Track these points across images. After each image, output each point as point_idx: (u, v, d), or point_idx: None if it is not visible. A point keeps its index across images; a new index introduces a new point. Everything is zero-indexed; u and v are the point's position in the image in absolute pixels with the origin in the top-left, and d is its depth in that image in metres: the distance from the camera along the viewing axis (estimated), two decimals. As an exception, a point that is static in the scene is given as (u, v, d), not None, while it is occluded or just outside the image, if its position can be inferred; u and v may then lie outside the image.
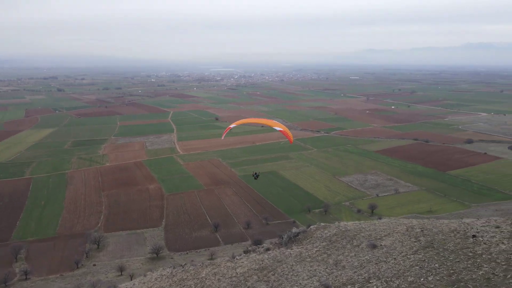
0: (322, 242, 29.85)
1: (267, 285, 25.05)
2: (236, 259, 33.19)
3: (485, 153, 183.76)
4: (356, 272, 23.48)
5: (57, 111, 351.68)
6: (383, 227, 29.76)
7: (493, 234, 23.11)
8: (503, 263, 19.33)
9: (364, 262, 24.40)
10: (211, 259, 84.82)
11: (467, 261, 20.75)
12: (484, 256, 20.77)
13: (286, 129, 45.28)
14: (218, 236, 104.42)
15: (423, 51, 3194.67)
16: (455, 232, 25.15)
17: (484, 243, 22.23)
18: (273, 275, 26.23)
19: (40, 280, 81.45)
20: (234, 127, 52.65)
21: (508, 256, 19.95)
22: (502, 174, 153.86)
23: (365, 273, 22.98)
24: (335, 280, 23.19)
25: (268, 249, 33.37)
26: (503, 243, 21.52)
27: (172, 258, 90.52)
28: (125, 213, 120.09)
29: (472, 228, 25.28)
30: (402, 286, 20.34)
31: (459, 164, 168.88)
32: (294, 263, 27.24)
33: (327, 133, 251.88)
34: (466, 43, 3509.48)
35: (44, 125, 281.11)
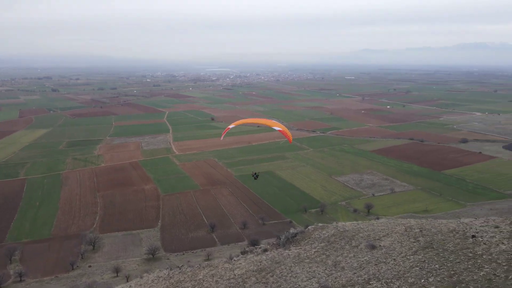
0: (321, 243, 29.68)
1: (265, 287, 24.84)
2: (234, 260, 32.94)
3: (480, 153, 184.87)
4: (355, 273, 23.32)
5: (51, 111, 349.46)
6: (381, 227, 29.65)
7: (492, 234, 23.04)
8: (504, 264, 19.24)
9: (364, 263, 24.24)
10: (208, 259, 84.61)
11: (467, 262, 20.64)
12: (484, 256, 20.68)
13: (285, 129, 45.17)
14: (215, 237, 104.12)
15: (418, 51, 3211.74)
16: (454, 232, 25.06)
17: (484, 244, 22.15)
18: (272, 276, 26.02)
19: (35, 282, 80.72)
20: (231, 128, 52.26)
21: (509, 256, 19.87)
22: (497, 173, 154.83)
23: (364, 274, 22.82)
24: (335, 282, 23.03)
25: (265, 250, 33.15)
26: (503, 243, 21.45)
27: (168, 259, 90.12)
28: (120, 213, 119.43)
29: (471, 228, 25.22)
30: (403, 287, 20.21)
31: (454, 163, 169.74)
32: (292, 264, 27.04)
33: (323, 133, 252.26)
34: (461, 43, 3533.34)
35: (39, 125, 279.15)
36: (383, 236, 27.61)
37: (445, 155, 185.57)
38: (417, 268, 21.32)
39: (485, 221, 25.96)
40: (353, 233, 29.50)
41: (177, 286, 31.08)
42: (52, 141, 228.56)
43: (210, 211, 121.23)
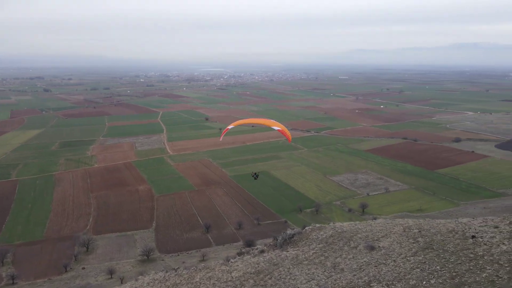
0: (319, 244, 29.38)
1: (264, 289, 24.52)
2: (231, 262, 32.53)
3: (473, 152, 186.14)
4: (355, 275, 23.05)
5: (43, 112, 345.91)
6: (379, 228, 29.43)
7: (492, 235, 22.91)
8: (506, 265, 19.07)
9: (363, 265, 23.99)
10: (203, 260, 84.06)
11: (469, 263, 20.45)
12: (486, 257, 20.51)
13: (285, 128, 44.97)
14: (210, 237, 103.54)
15: (410, 51, 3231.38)
16: (453, 232, 24.91)
17: (485, 244, 22.00)
18: (270, 279, 25.67)
19: (27, 285, 79.56)
20: (230, 128, 51.96)
21: (511, 257, 19.72)
22: (490, 172, 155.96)
23: (365, 276, 22.57)
24: (335, 284, 22.76)
25: (262, 251, 32.82)
26: (503, 243, 21.31)
27: (163, 260, 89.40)
28: (114, 214, 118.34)
29: (470, 228, 25.09)
30: (404, 289, 19.98)
31: (447, 162, 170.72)
32: (291, 266, 26.70)
33: (317, 132, 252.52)
34: (453, 43, 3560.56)
35: (31, 126, 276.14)
36: (382, 236, 27.39)
37: (438, 154, 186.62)
38: (418, 270, 21.10)
39: (483, 221, 25.87)
40: (351, 234, 29.25)
41: (173, 289, 30.61)
42: (44, 141, 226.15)
43: (205, 211, 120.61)
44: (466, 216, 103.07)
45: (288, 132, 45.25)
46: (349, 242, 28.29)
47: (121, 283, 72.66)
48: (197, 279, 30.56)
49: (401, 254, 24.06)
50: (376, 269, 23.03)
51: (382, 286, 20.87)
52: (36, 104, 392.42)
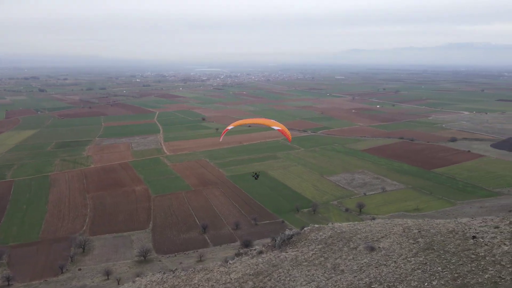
0: (318, 245, 29.17)
1: (263, 291, 24.28)
2: (229, 263, 32.23)
3: (469, 151, 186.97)
4: (356, 276, 22.85)
5: (39, 112, 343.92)
6: (378, 228, 29.27)
7: (493, 235, 22.79)
8: (508, 266, 18.94)
9: (364, 266, 23.79)
10: (200, 261, 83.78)
11: (470, 264, 20.30)
12: (487, 258, 20.37)
13: (285, 128, 44.86)
14: (207, 238, 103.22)
15: (406, 51, 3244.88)
16: (453, 232, 24.78)
17: (486, 244, 21.86)
18: (269, 280, 25.42)
19: (23, 286, 78.95)
20: (230, 129, 51.77)
21: (513, 258, 19.60)
22: (486, 171, 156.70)
23: (365, 277, 22.36)
24: (335, 286, 22.54)
25: (261, 252, 32.56)
26: (505, 244, 21.19)
27: (160, 260, 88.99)
28: (111, 215, 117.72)
29: (470, 228, 24.97)
30: (406, 291, 19.81)
31: (443, 162, 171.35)
32: (290, 268, 26.46)
33: (314, 132, 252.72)
34: (447, 43, 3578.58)
35: (26, 126, 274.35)
36: (381, 237, 27.23)
37: (434, 154, 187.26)
38: (419, 271, 20.93)
39: (483, 221, 25.78)
40: (351, 235, 29.07)
41: (171, 291, 30.28)
42: (40, 142, 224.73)
43: (202, 212, 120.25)
44: (463, 216, 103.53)
45: (288, 132, 45.18)
46: (348, 243, 28.10)
47: (118, 284, 72.23)
48: (196, 281, 30.26)
49: (402, 255, 23.89)
50: (377, 270, 22.84)
51: (384, 287, 20.70)
52: (31, 104, 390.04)
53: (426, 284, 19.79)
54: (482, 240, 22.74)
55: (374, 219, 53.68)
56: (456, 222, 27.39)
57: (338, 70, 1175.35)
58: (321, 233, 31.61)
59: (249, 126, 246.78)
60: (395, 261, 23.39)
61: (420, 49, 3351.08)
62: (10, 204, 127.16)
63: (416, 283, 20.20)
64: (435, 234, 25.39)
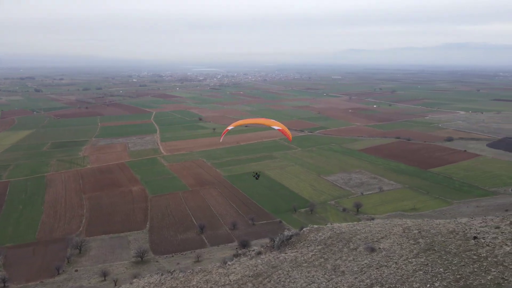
0: (318, 246, 28.97)
1: (263, 292, 24.04)
2: (228, 264, 31.98)
3: (465, 151, 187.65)
4: (357, 278, 22.66)
5: (35, 112, 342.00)
6: (378, 229, 29.13)
7: (494, 235, 22.68)
8: (511, 267, 18.84)
9: (364, 267, 23.61)
10: (198, 261, 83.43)
11: (472, 265, 20.16)
12: (489, 259, 20.24)
13: (285, 128, 44.78)
14: (204, 238, 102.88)
15: (402, 51, 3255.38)
16: (454, 233, 24.66)
17: (487, 245, 21.74)
18: (269, 282, 25.18)
19: (19, 288, 78.28)
20: (230, 129, 51.67)
21: (515, 259, 19.46)
22: (482, 171, 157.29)
23: (366, 279, 22.18)
24: (336, 287, 22.38)
25: (259, 253, 32.34)
26: (506, 244, 21.07)
27: (157, 261, 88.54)
28: (107, 216, 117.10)
29: (471, 228, 24.86)
30: (408, 292, 19.64)
31: (440, 161, 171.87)
32: (290, 269, 26.23)
33: (311, 132, 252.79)
34: (444, 43, 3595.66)
35: (22, 126, 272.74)
36: (381, 238, 27.07)
37: (431, 153, 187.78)
38: (421, 272, 20.76)
39: (483, 221, 25.69)
40: (350, 235, 28.90)
41: (169, 293, 29.98)
42: (35, 142, 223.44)
43: (199, 212, 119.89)
44: (460, 215, 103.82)
45: (288, 132, 45.10)
46: (348, 244, 27.92)
47: (115, 285, 71.80)
48: (194, 283, 29.99)
49: (402, 255, 23.72)
50: (378, 272, 22.67)
51: (385, 289, 20.52)
52: (27, 105, 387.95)
53: (428, 285, 19.62)
54: (483, 240, 22.62)
55: (373, 219, 53.55)
56: (456, 222, 27.27)
57: (335, 70, 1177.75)
58: (320, 234, 31.43)
59: (246, 126, 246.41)
60: (396, 262, 23.22)
61: (418, 49, 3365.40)
62: (6, 204, 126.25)
63: (418, 284, 20.04)
64: (435, 235, 25.25)
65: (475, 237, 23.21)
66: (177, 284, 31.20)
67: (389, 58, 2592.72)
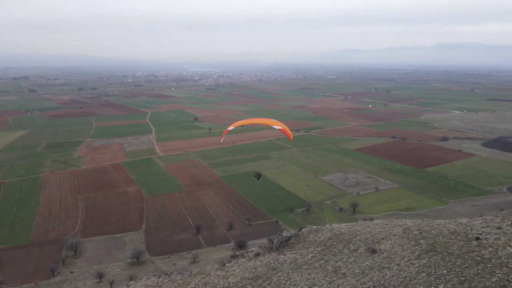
0: (317, 247, 28.70)
1: (262, 295, 23.73)
2: (227, 266, 31.65)
3: (460, 150, 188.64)
4: (358, 280, 22.40)
5: (29, 113, 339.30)
6: (378, 230, 28.92)
7: (496, 236, 22.52)
8: (516, 269, 18.67)
9: (366, 269, 23.36)
10: (194, 262, 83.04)
11: (476, 267, 19.96)
12: (493, 260, 20.05)
13: (285, 127, 44.64)
14: (201, 238, 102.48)
15: (397, 51, 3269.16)
16: (455, 234, 24.48)
17: (490, 246, 21.56)
18: (269, 284, 24.86)
19: (13, 290, 77.44)
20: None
21: (520, 260, 19.30)
22: (477, 170, 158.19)
23: (368, 281, 21.94)
24: (337, 289, 22.13)
25: (258, 254, 32.02)
26: (510, 245, 20.89)
27: (153, 262, 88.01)
28: (103, 217, 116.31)
29: (472, 229, 24.71)
30: (411, 295, 19.40)
31: (435, 161, 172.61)
32: (290, 271, 25.92)
33: (307, 132, 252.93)
34: (439, 43, 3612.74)
35: (16, 127, 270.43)
36: (382, 238, 26.87)
37: (426, 153, 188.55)
38: (424, 274, 20.52)
39: (484, 221, 25.57)
40: (350, 236, 28.67)
41: (167, 295, 29.58)
42: (30, 143, 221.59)
43: (195, 212, 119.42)
44: (456, 214, 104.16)
45: (289, 131, 45.00)
46: (348, 245, 27.66)
47: (111, 287, 71.24)
48: (192, 285, 29.60)
49: (404, 257, 23.49)
50: (380, 274, 22.42)
51: (388, 291, 20.28)
52: (21, 105, 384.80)
53: (432, 288, 19.41)
54: (486, 241, 22.45)
55: (372, 219, 53.47)
56: (457, 222, 27.12)
57: (331, 70, 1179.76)
58: (319, 235, 31.18)
59: (242, 126, 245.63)
60: (398, 264, 22.99)
61: (413, 49, 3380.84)
62: (0, 206, 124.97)
63: (421, 286, 19.79)
64: (436, 235, 25.07)
65: (477, 238, 23.05)
66: (175, 286, 30.80)
67: (384, 58, 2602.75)
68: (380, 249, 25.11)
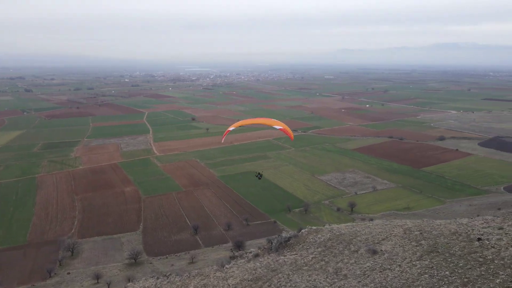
0: (317, 248, 28.48)
1: (263, 297, 23.48)
2: (226, 268, 31.38)
3: (457, 150, 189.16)
4: (360, 281, 22.20)
5: (25, 113, 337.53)
6: (378, 230, 28.73)
7: (498, 237, 22.38)
8: (520, 270, 18.51)
9: (367, 270, 23.15)
10: (192, 262, 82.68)
11: (479, 268, 19.81)
12: (496, 261, 19.89)
13: (286, 127, 44.58)
14: (198, 239, 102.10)
15: (394, 51, 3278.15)
16: (456, 234, 24.33)
17: (492, 247, 21.41)
18: (269, 286, 24.60)
19: (9, 292, 76.85)
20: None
21: (523, 261, 19.14)
22: (474, 169, 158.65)
23: (370, 282, 21.74)
24: (339, 291, 21.91)
25: (257, 255, 31.77)
26: (512, 246, 20.83)
27: (151, 263, 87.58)
28: (100, 217, 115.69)
29: (473, 229, 24.57)
30: (414, 297, 19.22)
31: (432, 161, 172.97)
32: (290, 272, 25.68)
33: (304, 132, 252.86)
34: (435, 43, 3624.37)
35: (12, 127, 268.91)
36: (382, 239, 26.69)
37: (423, 152, 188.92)
38: (427, 276, 20.35)
39: (485, 222, 25.43)
40: (350, 237, 28.47)
41: (166, 297, 29.26)
42: (26, 143, 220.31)
43: (193, 212, 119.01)
44: (453, 214, 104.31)
45: (290, 131, 44.96)
46: (349, 246, 27.46)
47: (108, 288, 70.79)
48: (191, 287, 29.36)
49: (406, 258, 23.30)
50: (381, 275, 22.22)
51: (390, 293, 20.08)
52: (17, 105, 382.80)
53: (435, 289, 19.18)
54: (488, 242, 22.30)
55: (371, 219, 53.33)
56: (457, 223, 26.97)
57: (328, 70, 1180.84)
58: (319, 236, 30.96)
59: (240, 126, 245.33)
60: (399, 265, 22.79)
61: (410, 49, 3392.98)
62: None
63: (424, 288, 19.63)
64: (437, 236, 24.91)
65: (479, 239, 22.90)
66: (174, 288, 30.54)
67: (384, 58, 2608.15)
68: (381, 250, 24.93)
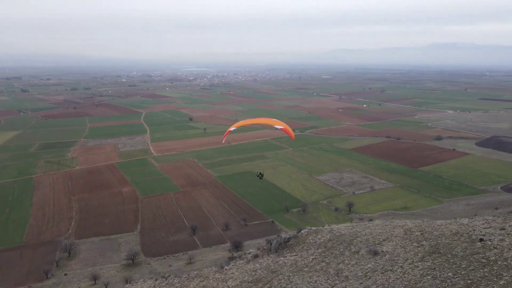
0: (318, 249, 28.29)
1: (263, 299, 23.25)
2: (225, 269, 31.13)
3: (454, 149, 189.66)
4: (362, 283, 22.00)
5: (21, 113, 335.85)
6: (379, 231, 28.57)
7: (501, 237, 22.25)
8: (523, 271, 18.37)
9: (369, 272, 22.97)
10: (190, 263, 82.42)
11: (482, 269, 19.66)
12: (499, 262, 19.76)
13: (287, 127, 44.48)
14: (196, 239, 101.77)
15: (391, 51, 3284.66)
16: (458, 235, 24.20)
17: (495, 248, 21.28)
18: (270, 288, 24.48)
19: (6, 293, 76.35)
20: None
21: (526, 262, 19.00)
22: (471, 169, 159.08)
23: (372, 284, 21.55)
24: (340, 293, 21.71)
25: (256, 256, 31.55)
26: (515, 247, 20.67)
27: (149, 264, 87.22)
28: (97, 218, 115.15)
29: (475, 230, 24.44)
30: (417, 299, 19.05)
31: (430, 160, 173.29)
32: (291, 274, 25.47)
33: (302, 132, 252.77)
34: (432, 43, 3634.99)
35: (8, 127, 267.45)
36: (383, 240, 26.52)
37: (421, 152, 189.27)
38: (429, 277, 20.18)
39: (486, 222, 25.32)
40: (351, 238, 28.29)
41: (165, 299, 28.96)
42: (22, 143, 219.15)
43: (190, 213, 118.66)
44: (451, 213, 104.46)
45: (291, 131, 44.89)
46: (349, 247, 27.27)
47: (106, 289, 70.42)
48: (191, 289, 29.09)
49: (407, 259, 23.13)
50: (383, 277, 22.04)
51: (393, 295, 19.90)
52: (13, 105, 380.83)
53: (438, 291, 19.01)
54: (490, 243, 22.16)
55: (371, 220, 53.19)
56: (458, 223, 26.85)
57: (325, 70, 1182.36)
58: (319, 236, 30.77)
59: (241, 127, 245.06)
60: (401, 266, 22.62)
61: (406, 49, 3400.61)
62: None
63: (427, 290, 19.44)
64: (439, 237, 24.77)
65: (481, 239, 22.77)
66: (173, 290, 30.26)
67: (383, 58, 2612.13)
68: (382, 251, 24.76)
